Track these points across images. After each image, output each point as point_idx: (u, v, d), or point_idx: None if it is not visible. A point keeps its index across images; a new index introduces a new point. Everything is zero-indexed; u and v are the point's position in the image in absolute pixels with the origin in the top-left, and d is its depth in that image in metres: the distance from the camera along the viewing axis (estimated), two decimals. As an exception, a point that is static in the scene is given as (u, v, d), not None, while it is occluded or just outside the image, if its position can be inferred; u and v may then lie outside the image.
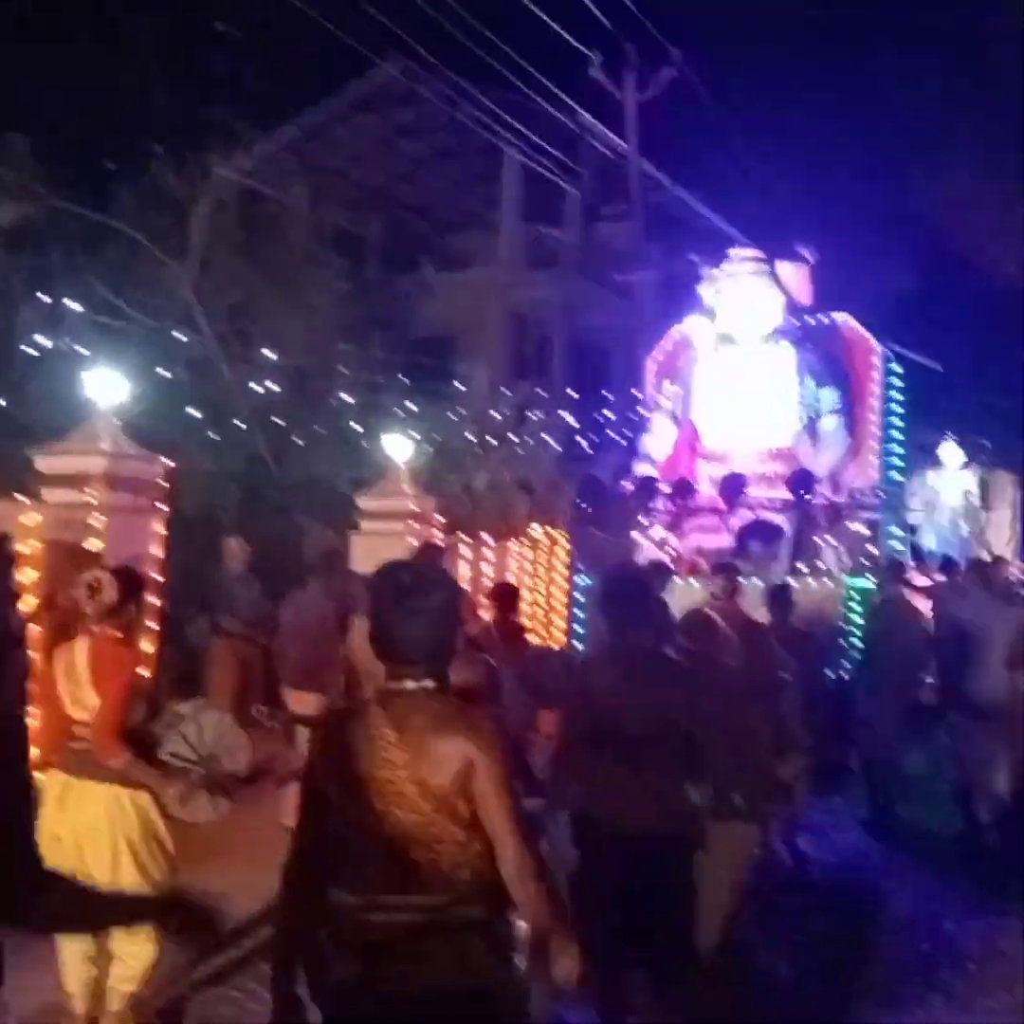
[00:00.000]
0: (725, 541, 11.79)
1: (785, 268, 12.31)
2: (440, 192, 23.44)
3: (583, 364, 24.00)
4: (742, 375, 12.10)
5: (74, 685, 4.30)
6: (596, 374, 24.26)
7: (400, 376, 18.31)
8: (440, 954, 2.36)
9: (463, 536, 11.77)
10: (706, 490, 12.01)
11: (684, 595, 10.36)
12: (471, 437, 15.30)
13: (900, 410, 12.24)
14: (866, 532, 11.80)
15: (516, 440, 15.61)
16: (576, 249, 23.62)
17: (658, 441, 12.56)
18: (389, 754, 2.41)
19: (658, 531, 12.12)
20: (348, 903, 2.42)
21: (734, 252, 12.48)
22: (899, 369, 12.37)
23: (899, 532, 12.14)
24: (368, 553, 8.61)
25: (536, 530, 13.58)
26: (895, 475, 12.33)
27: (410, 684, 2.48)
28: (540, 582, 12.77)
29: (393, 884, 2.38)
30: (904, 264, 21.08)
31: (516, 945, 2.48)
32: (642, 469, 12.47)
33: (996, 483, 18.10)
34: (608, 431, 20.90)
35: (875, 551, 11.68)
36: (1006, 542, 17.78)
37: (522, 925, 2.48)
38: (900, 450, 12.35)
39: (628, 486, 12.33)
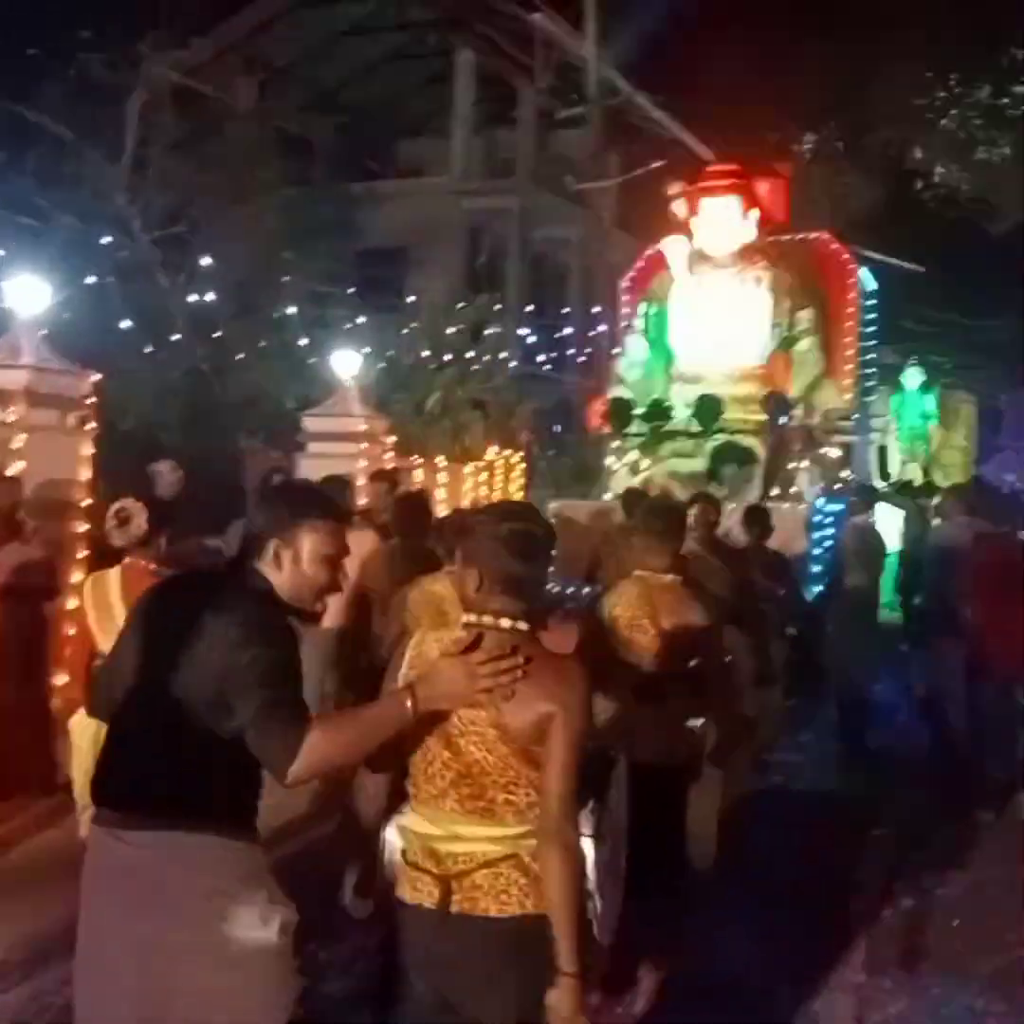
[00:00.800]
0: (699, 464, 12.01)
1: (761, 185, 12.37)
2: (392, 95, 22.94)
3: (541, 278, 23.91)
4: (717, 295, 12.20)
5: (108, 619, 4.18)
6: (555, 288, 24.22)
7: (351, 290, 18.17)
8: (514, 882, 2.46)
9: (415, 458, 11.68)
10: (680, 412, 12.16)
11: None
12: (424, 353, 15.07)
13: (874, 330, 12.46)
14: (839, 454, 12.10)
15: (471, 357, 15.43)
16: (532, 157, 23.33)
17: (632, 363, 12.65)
18: None
19: (632, 454, 12.31)
20: (423, 831, 2.51)
21: (711, 168, 12.48)
22: (873, 287, 12.57)
23: (871, 455, 12.42)
24: (315, 476, 8.59)
25: (491, 452, 13.59)
26: (869, 398, 12.61)
27: (505, 622, 2.51)
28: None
29: (470, 817, 2.47)
30: (867, 179, 21.28)
31: (586, 871, 2.57)
32: (615, 391, 12.58)
33: (952, 404, 18.61)
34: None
35: (849, 474, 11.99)
36: (960, 464, 18.37)
37: (590, 851, 2.59)
38: (873, 370, 12.62)
39: (601, 407, 12.44)
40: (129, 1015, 2.46)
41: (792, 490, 11.87)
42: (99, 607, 4.26)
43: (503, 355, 16.32)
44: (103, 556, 4.59)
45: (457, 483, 12.29)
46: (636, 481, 12.17)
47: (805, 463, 11.99)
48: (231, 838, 2.50)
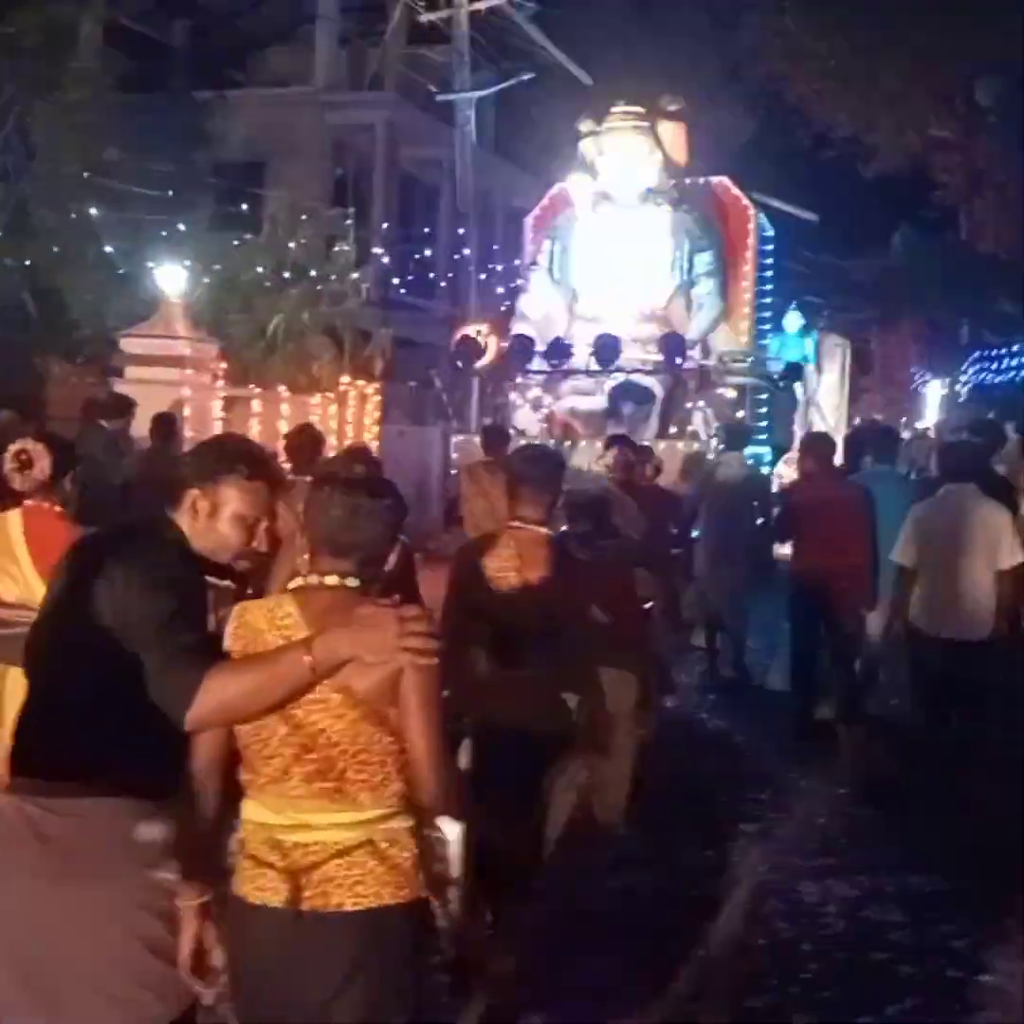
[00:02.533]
0: (599, 403, 13.04)
1: (663, 127, 13.36)
2: (254, 1, 22.91)
3: (410, 200, 24.29)
4: (619, 235, 13.17)
5: (11, 562, 4.12)
6: (424, 212, 24.68)
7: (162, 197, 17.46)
8: (370, 872, 2.40)
9: (254, 388, 11.45)
10: (581, 351, 13.15)
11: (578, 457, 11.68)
12: (259, 270, 14.48)
13: (770, 274, 13.68)
14: (734, 396, 13.31)
15: (321, 277, 14.98)
16: (401, 70, 23.60)
17: (535, 300, 13.56)
18: None
19: (533, 392, 13.26)
20: (264, 820, 2.44)
21: (615, 109, 13.38)
22: (771, 232, 13.77)
23: (763, 397, 13.67)
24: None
25: (344, 383, 13.25)
26: (766, 341, 13.85)
27: (331, 580, 2.49)
28: (349, 443, 12.38)
29: (318, 801, 2.40)
30: (745, 118, 22.54)
31: (446, 854, 2.54)
32: (518, 328, 13.47)
33: (827, 346, 20.15)
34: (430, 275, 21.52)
35: (741, 415, 13.21)
36: (835, 405, 19.98)
37: (451, 833, 2.54)
38: (769, 315, 13.85)
39: (503, 346, 13.31)
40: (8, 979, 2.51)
41: (689, 429, 13.02)
42: (1, 552, 4.15)
43: (355, 275, 15.80)
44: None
45: (302, 415, 11.56)
46: (538, 418, 13.18)
47: (701, 403, 13.15)
48: (141, 801, 2.50)
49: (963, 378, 23.76)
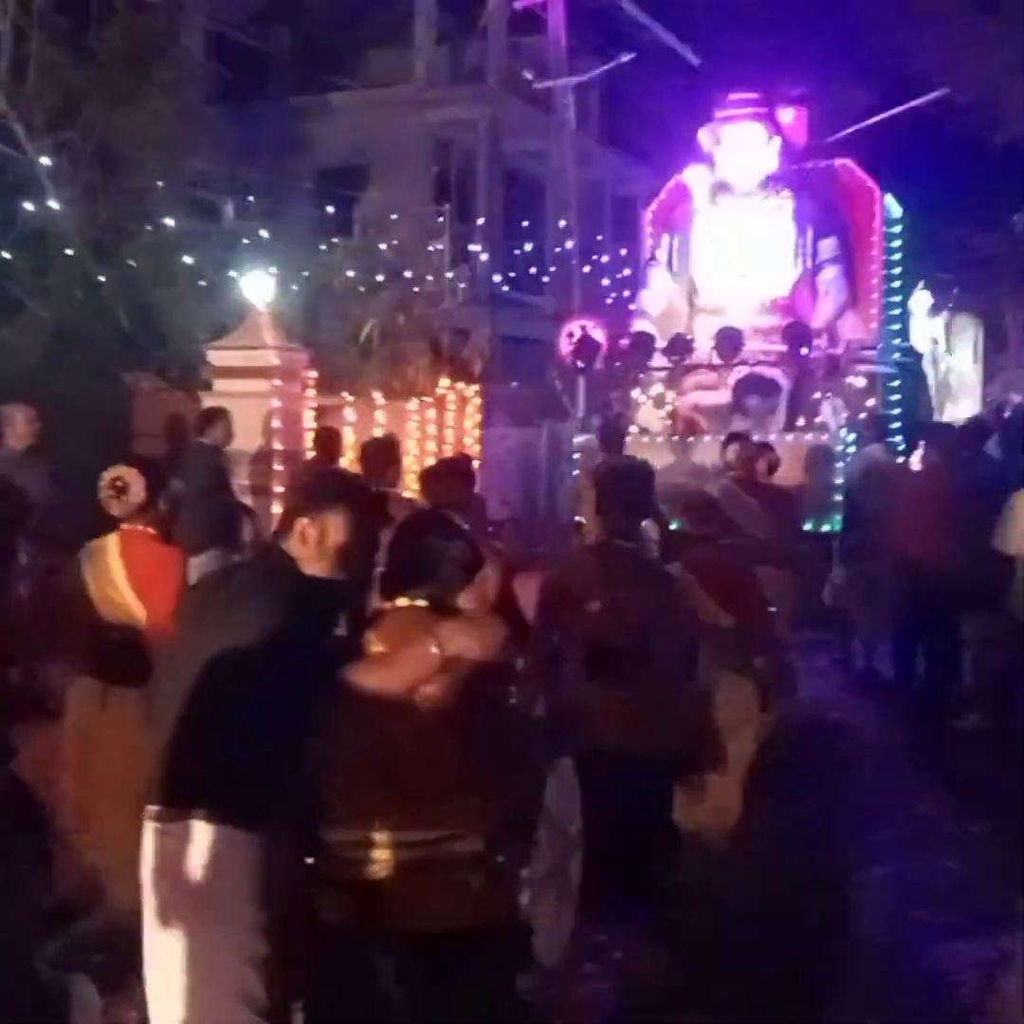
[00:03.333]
0: (723, 397, 13.16)
1: (783, 111, 13.44)
2: (352, 5, 23.40)
3: (513, 194, 24.43)
4: (740, 225, 13.25)
5: (109, 586, 4.37)
6: (531, 206, 24.91)
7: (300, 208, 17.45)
8: (439, 892, 2.54)
9: (347, 395, 11.41)
10: (703, 345, 13.28)
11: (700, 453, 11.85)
12: (355, 275, 14.41)
13: (899, 258, 13.64)
14: (864, 385, 13.31)
15: (417, 278, 14.94)
16: (502, 63, 23.86)
17: (655, 295, 13.75)
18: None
19: (656, 388, 13.44)
20: (339, 839, 2.61)
21: (732, 96, 13.49)
22: (898, 215, 13.75)
23: (894, 384, 13.63)
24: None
25: (442, 386, 13.29)
26: (895, 326, 13.82)
27: (402, 601, 2.92)
28: (449, 448, 12.55)
29: (388, 817, 2.56)
30: (874, 96, 22.29)
31: (519, 882, 2.67)
32: (638, 324, 13.66)
33: (959, 326, 19.89)
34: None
35: (873, 403, 13.21)
36: (970, 387, 19.72)
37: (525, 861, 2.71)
38: (898, 299, 13.81)
39: (624, 342, 13.53)
40: None
41: (816, 421, 13.06)
42: (99, 576, 4.39)
43: (450, 275, 15.91)
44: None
45: (400, 422, 11.90)
46: (662, 414, 13.35)
47: (829, 394, 13.18)
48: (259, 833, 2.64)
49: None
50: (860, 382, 13.25)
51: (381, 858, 2.52)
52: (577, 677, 4.06)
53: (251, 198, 16.10)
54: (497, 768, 2.66)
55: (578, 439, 13.15)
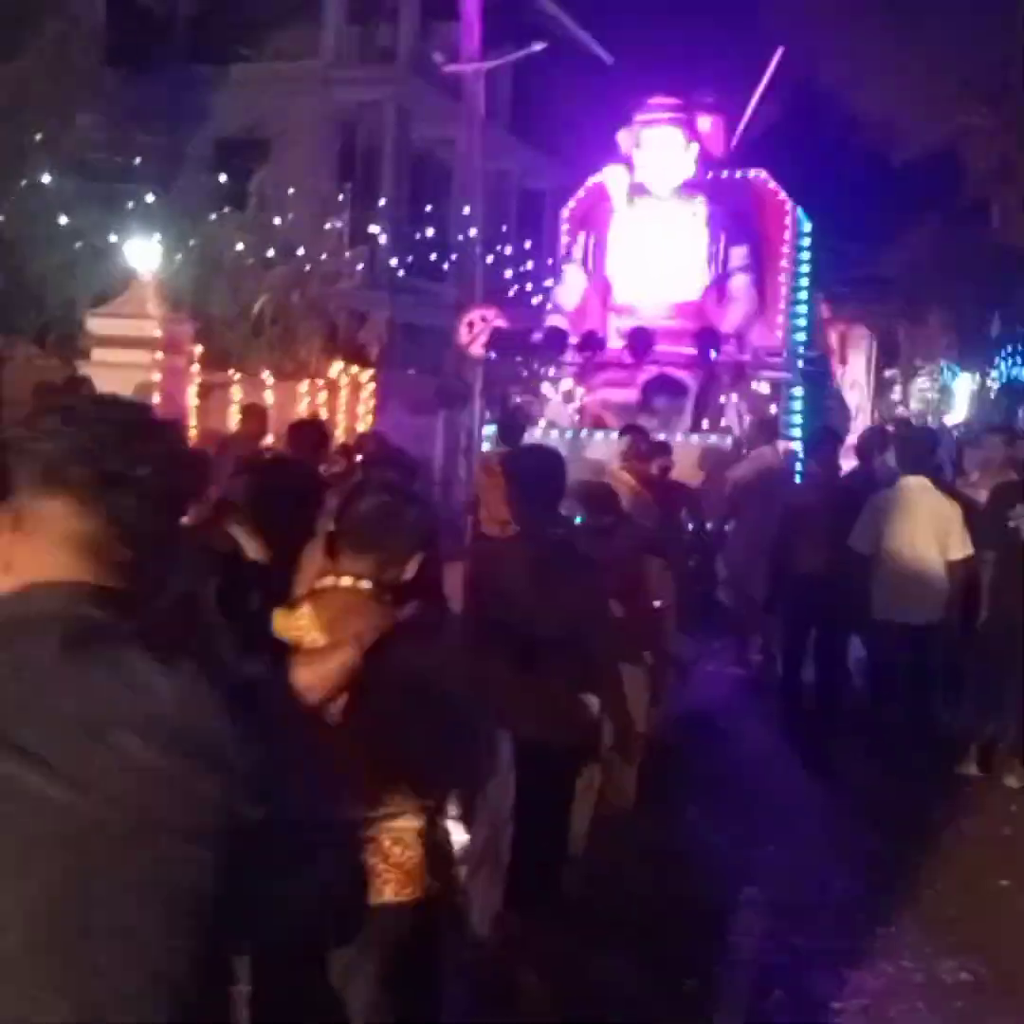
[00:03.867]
0: (631, 395, 13.68)
1: (701, 120, 14.03)
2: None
3: (419, 179, 24.54)
4: (655, 228, 13.80)
5: None
6: (435, 191, 25.09)
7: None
8: (373, 869, 2.59)
9: (234, 373, 11.25)
10: (614, 344, 13.79)
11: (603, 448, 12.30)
12: (246, 248, 14.07)
13: (808, 270, 14.34)
14: (768, 391, 13.97)
15: (309, 257, 14.69)
16: (413, 45, 23.95)
17: (569, 292, 14.22)
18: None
19: (566, 383, 13.92)
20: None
21: (653, 100, 14.02)
22: (808, 229, 14.44)
23: (799, 392, 14.32)
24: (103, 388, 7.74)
25: (336, 369, 13.20)
26: (800, 336, 14.51)
27: (347, 581, 2.86)
28: (340, 433, 12.48)
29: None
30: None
31: (456, 858, 2.80)
32: (551, 320, 14.12)
33: (853, 337, 20.83)
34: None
35: (775, 410, 13.87)
36: (862, 397, 20.68)
37: (460, 834, 2.83)
38: (804, 309, 14.51)
39: (537, 337, 13.97)
40: None
41: (721, 423, 13.68)
42: None
43: (348, 255, 15.71)
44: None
45: (290, 403, 11.77)
46: (570, 410, 13.84)
47: (735, 398, 13.81)
48: None
49: (994, 372, 24.52)
50: (764, 388, 13.89)
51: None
52: (499, 666, 3.83)
53: (139, 161, 15.65)
54: (433, 746, 2.70)
55: (488, 429, 13.53)
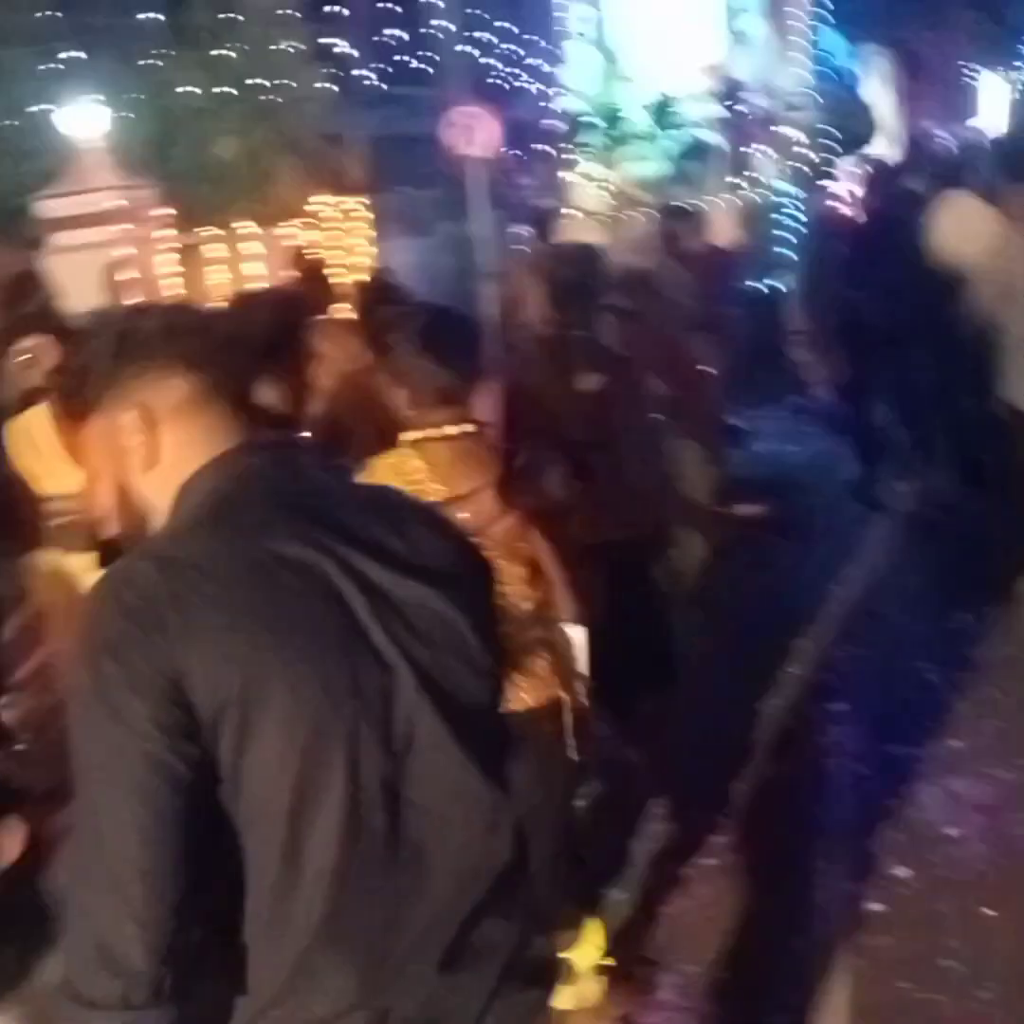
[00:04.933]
0: (661, 167, 13.77)
1: None
2: None
3: None
4: (657, -16, 13.67)
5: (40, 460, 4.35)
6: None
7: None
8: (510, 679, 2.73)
9: (209, 230, 10.65)
10: (633, 115, 13.80)
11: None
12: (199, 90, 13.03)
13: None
14: (800, 136, 13.99)
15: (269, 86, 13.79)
16: None
17: (579, 71, 14.15)
18: None
19: (592, 167, 13.98)
20: None
21: None
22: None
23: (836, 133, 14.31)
24: (69, 275, 7.36)
25: (319, 202, 12.55)
26: (830, 73, 14.42)
27: (451, 429, 2.96)
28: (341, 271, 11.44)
29: None
30: None
31: (573, 653, 3.15)
32: (566, 103, 14.10)
33: (871, 61, 20.41)
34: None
35: (813, 155, 13.92)
36: (888, 119, 20.41)
37: (577, 635, 3.15)
38: (829, 45, 14.38)
39: (554, 124, 13.97)
40: None
41: (754, 176, 13.77)
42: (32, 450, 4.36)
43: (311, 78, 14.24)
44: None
45: (276, 252, 11.02)
46: (600, 192, 13.94)
47: (766, 149, 13.86)
48: None
49: (1019, 65, 23.82)
50: (798, 133, 13.91)
51: None
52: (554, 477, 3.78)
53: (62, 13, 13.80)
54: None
55: (513, 229, 13.62)
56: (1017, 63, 23.96)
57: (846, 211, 10.70)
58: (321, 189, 12.78)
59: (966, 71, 26.42)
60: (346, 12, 21.42)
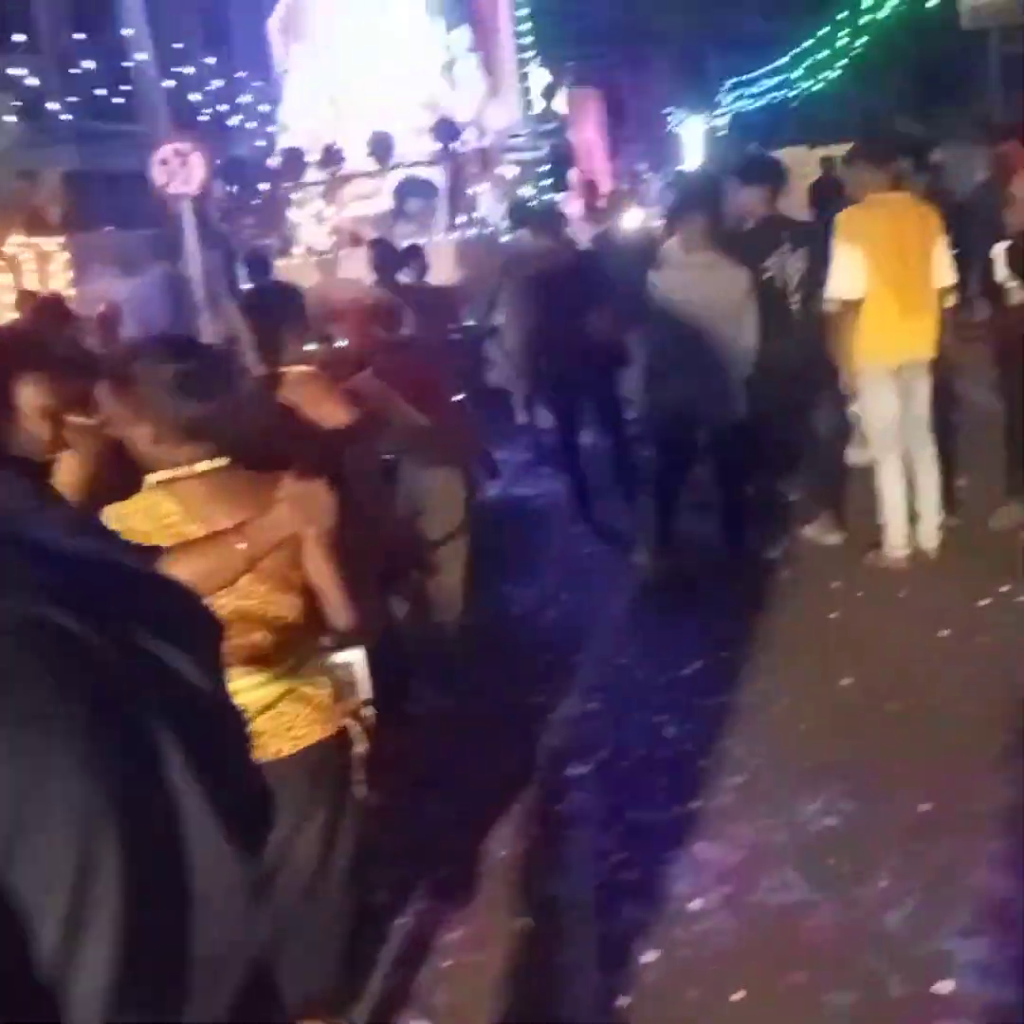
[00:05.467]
0: (383, 204, 14.13)
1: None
2: None
3: (79, 13, 23.35)
4: (368, 24, 14.03)
5: None
6: (99, 21, 23.86)
7: None
8: (299, 715, 2.80)
9: None
10: (352, 153, 14.11)
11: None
12: None
13: (531, 39, 14.88)
14: (517, 173, 14.62)
15: None
16: None
17: (295, 108, 14.39)
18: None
19: (314, 204, 14.22)
20: None
21: None
22: (524, -1, 14.93)
23: (545, 168, 15.00)
24: None
25: (13, 244, 12.15)
26: (536, 110, 15.12)
27: (203, 466, 2.75)
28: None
29: (240, 668, 2.66)
30: None
31: (353, 677, 3.04)
32: (283, 140, 14.30)
33: (578, 99, 21.50)
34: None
35: (528, 193, 14.56)
36: (598, 161, 21.51)
37: (355, 657, 3.06)
38: (536, 81, 15.10)
39: (274, 162, 14.15)
40: None
41: (476, 216, 14.30)
42: None
43: None
44: None
45: None
46: (324, 231, 14.21)
47: (485, 186, 14.42)
48: None
49: (719, 111, 25.51)
50: (513, 170, 14.53)
51: (241, 703, 2.59)
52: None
53: None
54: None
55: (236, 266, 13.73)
56: (719, 110, 25.70)
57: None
58: (17, 229, 12.37)
59: (670, 118, 28.14)
60: (36, 41, 20.81)
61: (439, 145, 14.00)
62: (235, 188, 15.73)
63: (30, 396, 2.77)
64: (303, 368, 4.31)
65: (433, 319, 8.35)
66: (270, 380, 4.30)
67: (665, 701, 5.36)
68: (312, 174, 14.12)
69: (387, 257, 9.08)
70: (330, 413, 4.20)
